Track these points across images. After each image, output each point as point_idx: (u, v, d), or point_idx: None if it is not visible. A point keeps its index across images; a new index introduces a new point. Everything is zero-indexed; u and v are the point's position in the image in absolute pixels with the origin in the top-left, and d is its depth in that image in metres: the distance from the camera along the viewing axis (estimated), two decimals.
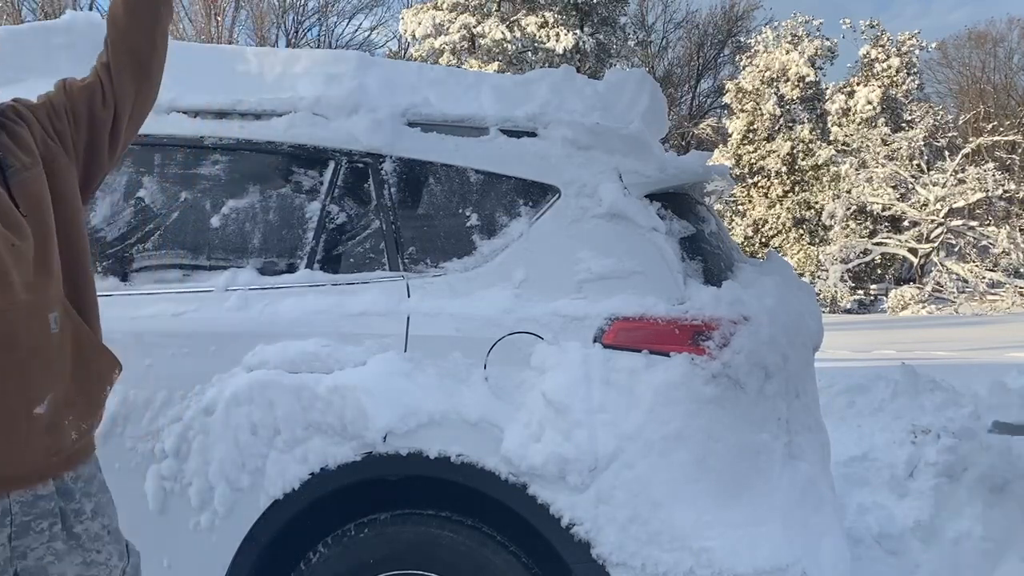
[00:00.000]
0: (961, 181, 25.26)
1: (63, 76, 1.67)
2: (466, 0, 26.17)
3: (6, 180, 1.43)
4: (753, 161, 28.34)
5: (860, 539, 3.35)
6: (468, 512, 2.22)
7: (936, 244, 25.38)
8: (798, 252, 27.38)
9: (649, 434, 2.13)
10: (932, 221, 25.31)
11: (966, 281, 24.55)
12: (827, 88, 29.30)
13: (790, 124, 28.47)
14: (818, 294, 23.57)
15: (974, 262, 24.95)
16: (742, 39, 36.36)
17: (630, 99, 2.61)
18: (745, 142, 28.59)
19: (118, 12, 1.61)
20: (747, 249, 26.61)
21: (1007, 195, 25.50)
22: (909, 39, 28.72)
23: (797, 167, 28.00)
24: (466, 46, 26.34)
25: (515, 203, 2.41)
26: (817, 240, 27.61)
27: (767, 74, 28.60)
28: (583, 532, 2.10)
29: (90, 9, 31.94)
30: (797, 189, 27.98)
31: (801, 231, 27.93)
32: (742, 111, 28.92)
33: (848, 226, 26.48)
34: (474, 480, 2.16)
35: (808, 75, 28.30)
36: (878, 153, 26.25)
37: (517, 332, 2.26)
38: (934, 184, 25.45)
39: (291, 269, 2.43)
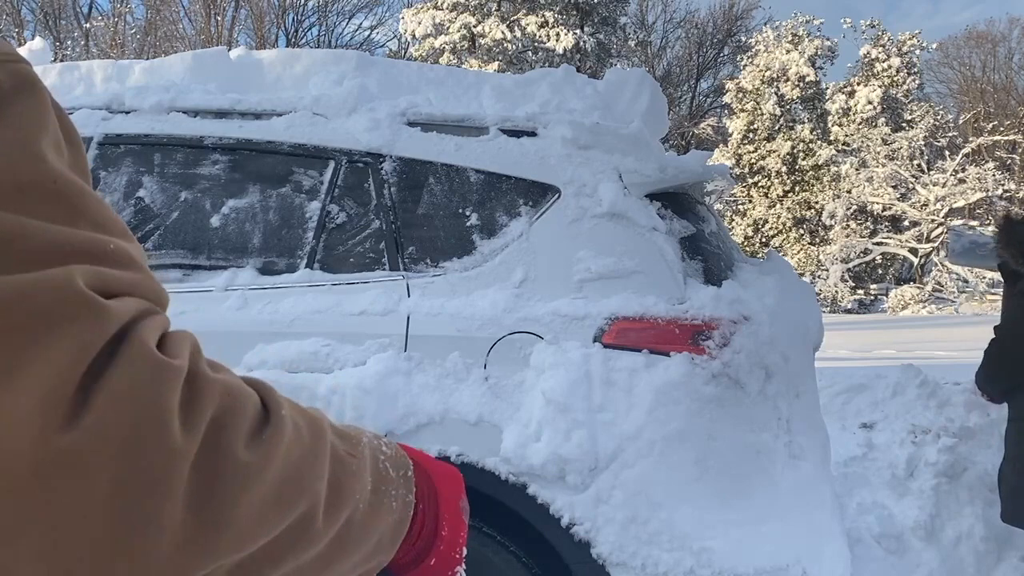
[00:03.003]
0: (961, 181, 25.25)
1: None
2: (466, 0, 26.17)
3: None
4: (753, 161, 28.33)
5: (860, 539, 3.35)
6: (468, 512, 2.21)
7: (936, 244, 25.37)
8: (798, 252, 27.38)
9: (649, 434, 2.13)
10: (932, 221, 25.30)
11: (966, 281, 24.53)
12: (827, 88, 29.29)
13: (790, 124, 28.46)
14: (818, 294, 23.56)
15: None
16: (742, 38, 36.36)
17: (630, 99, 2.61)
18: (745, 142, 28.58)
19: None
20: (747, 249, 26.60)
21: (1007, 195, 25.48)
22: (910, 39, 28.72)
23: (797, 167, 28.00)
24: (466, 46, 26.33)
25: (515, 203, 2.40)
26: (817, 240, 27.61)
27: (767, 74, 28.59)
28: (583, 532, 2.10)
29: (89, 10, 31.90)
30: (797, 189, 27.97)
31: (801, 231, 27.92)
32: (742, 111, 28.91)
33: (848, 226, 26.47)
34: (474, 480, 2.15)
35: (808, 75, 28.29)
36: (878, 153, 26.24)
37: (517, 332, 2.26)
38: (934, 184, 25.44)
39: (291, 269, 2.43)
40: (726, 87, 30.71)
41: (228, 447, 0.46)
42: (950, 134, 28.73)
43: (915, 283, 25.75)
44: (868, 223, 26.77)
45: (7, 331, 0.40)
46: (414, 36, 26.77)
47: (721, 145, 29.97)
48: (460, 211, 2.42)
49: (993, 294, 23.72)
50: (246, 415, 0.49)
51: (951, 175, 25.38)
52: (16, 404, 0.39)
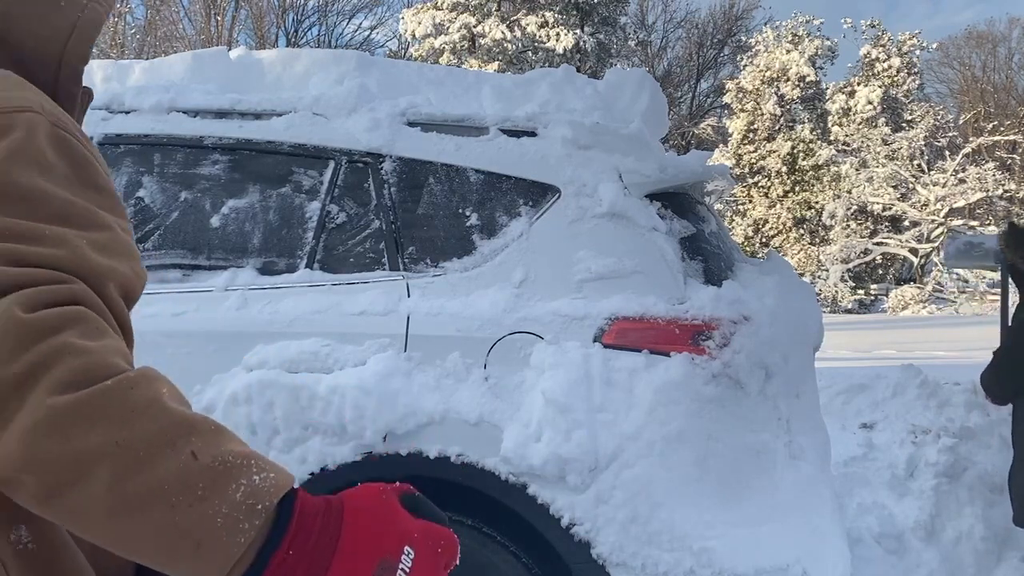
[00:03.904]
0: (961, 181, 25.25)
1: None
2: (466, 0, 26.16)
3: None
4: (753, 161, 28.32)
5: (860, 539, 3.35)
6: (468, 512, 2.22)
7: (936, 244, 25.36)
8: (798, 252, 27.37)
9: (649, 434, 2.13)
10: (932, 221, 25.29)
11: (966, 281, 24.53)
12: (827, 88, 29.29)
13: (790, 124, 28.46)
14: (818, 294, 23.54)
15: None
16: (742, 38, 36.35)
17: (630, 99, 2.61)
18: (745, 142, 28.58)
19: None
20: (747, 249, 26.59)
21: (1007, 195, 25.50)
22: (910, 39, 28.72)
23: (797, 167, 27.98)
24: (466, 46, 26.33)
25: (515, 203, 2.40)
26: (817, 240, 27.60)
27: (767, 74, 28.59)
28: (583, 532, 2.10)
29: None
30: (797, 189, 27.96)
31: (801, 231, 27.92)
32: (742, 111, 28.91)
33: (848, 226, 26.47)
34: (474, 480, 2.16)
35: (808, 75, 28.29)
36: (878, 153, 26.23)
37: (517, 332, 2.25)
38: (934, 184, 25.44)
39: (291, 269, 2.43)
40: (726, 87, 30.71)
41: (33, 386, 0.61)
42: (950, 134, 28.72)
43: (915, 283, 25.74)
44: (868, 223, 26.76)
45: None
46: (414, 36, 26.76)
47: (721, 145, 29.96)
48: (460, 211, 2.42)
49: (993, 294, 23.71)
50: (62, 374, 0.62)
51: (951, 175, 25.38)
52: None
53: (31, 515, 0.70)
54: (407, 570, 0.70)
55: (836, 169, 27.19)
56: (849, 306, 25.67)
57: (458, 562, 0.76)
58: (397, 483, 0.78)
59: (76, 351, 0.63)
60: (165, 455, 0.63)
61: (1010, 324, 3.33)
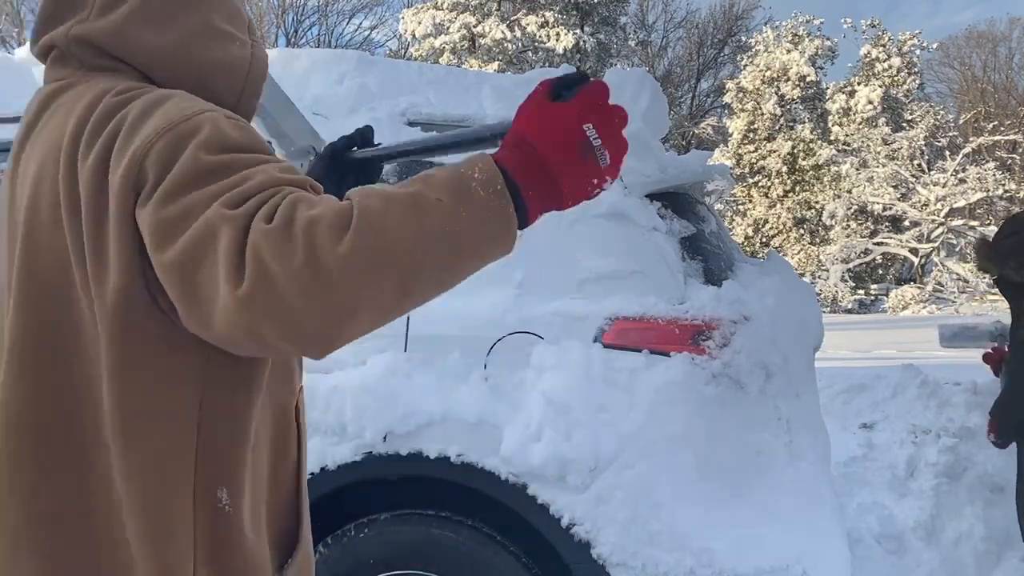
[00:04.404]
0: (962, 181, 25.24)
1: None
2: (466, 0, 26.16)
3: None
4: (754, 161, 28.32)
5: (860, 539, 3.35)
6: (468, 512, 2.22)
7: (937, 244, 25.35)
8: (799, 252, 27.36)
9: (650, 434, 2.13)
10: (933, 221, 25.28)
11: (967, 281, 24.51)
12: (828, 88, 29.28)
13: (791, 124, 28.45)
14: (818, 294, 23.53)
15: (975, 262, 24.89)
16: (742, 38, 36.33)
17: (630, 99, 2.61)
18: (745, 142, 28.57)
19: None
20: (747, 249, 26.58)
21: (1008, 195, 25.48)
22: (910, 39, 28.72)
23: (798, 167, 27.98)
24: (466, 46, 26.32)
25: None
26: (818, 240, 27.60)
27: (768, 74, 28.58)
28: (583, 532, 2.10)
29: None
30: (798, 189, 27.95)
31: (802, 231, 27.91)
32: (742, 111, 28.90)
33: (849, 226, 26.46)
34: (474, 480, 2.16)
35: (809, 75, 28.29)
36: (879, 153, 26.22)
37: (517, 332, 2.25)
38: (935, 184, 25.42)
39: None
40: (726, 87, 30.70)
41: (318, 252, 0.78)
42: (950, 134, 28.70)
43: (915, 283, 25.73)
44: (868, 223, 26.75)
45: (213, 255, 0.80)
46: (414, 36, 26.76)
47: (721, 145, 29.95)
48: None
49: (993, 294, 23.71)
50: (325, 234, 0.79)
51: (951, 175, 25.37)
52: (220, 280, 0.80)
53: (234, 478, 0.91)
54: (598, 137, 0.89)
55: (836, 169, 27.18)
56: (849, 306, 25.65)
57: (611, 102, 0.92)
58: (536, 89, 0.93)
59: (316, 218, 0.79)
60: (429, 217, 0.82)
61: (1007, 347, 3.21)
